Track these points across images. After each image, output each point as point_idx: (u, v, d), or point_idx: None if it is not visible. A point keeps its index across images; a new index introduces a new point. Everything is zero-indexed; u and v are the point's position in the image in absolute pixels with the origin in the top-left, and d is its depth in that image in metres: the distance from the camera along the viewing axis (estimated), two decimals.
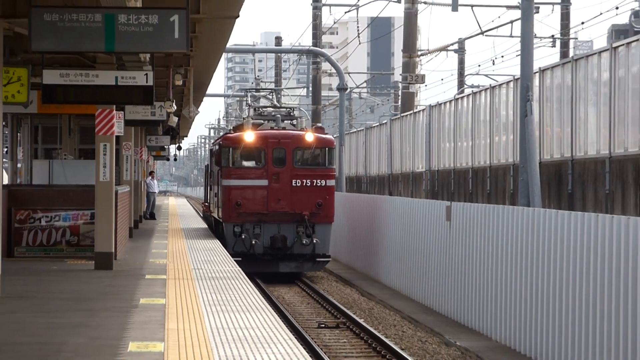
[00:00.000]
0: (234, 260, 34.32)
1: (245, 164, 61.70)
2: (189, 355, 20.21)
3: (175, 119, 64.98)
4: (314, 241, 56.99)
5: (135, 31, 25.67)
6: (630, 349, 26.33)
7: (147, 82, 35.78)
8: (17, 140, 51.88)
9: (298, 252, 58.15)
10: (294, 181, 58.94)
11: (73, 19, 25.55)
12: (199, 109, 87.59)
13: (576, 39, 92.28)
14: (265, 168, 58.44)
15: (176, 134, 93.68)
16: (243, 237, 56.33)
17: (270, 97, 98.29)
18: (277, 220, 57.89)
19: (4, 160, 37.45)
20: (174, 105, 53.94)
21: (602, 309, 28.26)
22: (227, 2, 31.65)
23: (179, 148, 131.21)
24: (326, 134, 66.24)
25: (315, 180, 58.84)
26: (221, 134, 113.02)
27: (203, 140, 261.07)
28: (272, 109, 69.45)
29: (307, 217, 57.28)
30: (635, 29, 41.19)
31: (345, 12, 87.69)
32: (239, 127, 65.42)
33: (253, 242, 55.99)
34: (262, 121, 67.85)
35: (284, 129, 64.19)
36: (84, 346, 21.29)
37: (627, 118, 33.24)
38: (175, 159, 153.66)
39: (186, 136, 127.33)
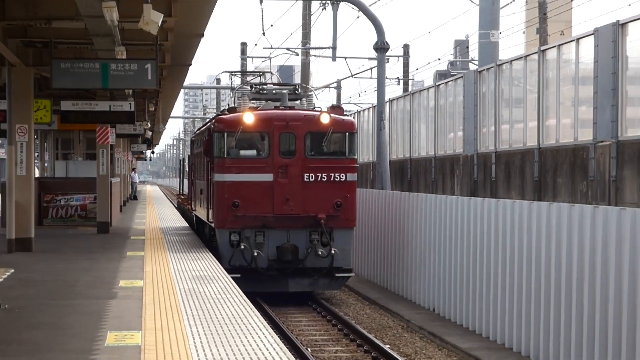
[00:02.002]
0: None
1: (244, 153, 33.15)
2: (159, 287, 20.48)
3: (150, 133, 64.48)
4: (332, 251, 30.93)
5: (121, 74, 25.01)
6: (543, 316, 19.81)
7: (130, 109, 35.62)
8: (44, 147, 51.24)
9: (312, 265, 31.51)
10: (306, 175, 31.79)
11: (80, 66, 25.20)
12: (165, 126, 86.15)
13: (413, 79, 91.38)
14: (270, 159, 31.41)
15: (150, 142, 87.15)
16: (242, 247, 30.74)
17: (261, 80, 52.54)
18: (285, 226, 31.16)
19: (35, 161, 37.22)
20: (148, 124, 54.43)
21: (483, 274, 23.20)
22: (183, 55, 31.56)
23: (152, 152, 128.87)
24: (345, 114, 36.33)
25: (333, 174, 31.90)
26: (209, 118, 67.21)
27: (169, 147, 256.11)
28: (272, 86, 39.12)
29: (323, 221, 30.95)
30: (451, 73, 41.24)
31: (262, 62, 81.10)
32: (233, 110, 36.23)
33: (255, 253, 30.29)
34: (262, 101, 37.04)
35: (292, 108, 35.09)
36: (90, 282, 21.38)
37: (445, 131, 33.68)
38: (150, 160, 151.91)
39: (157, 144, 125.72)
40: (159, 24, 18.25)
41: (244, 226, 28.89)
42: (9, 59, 27.09)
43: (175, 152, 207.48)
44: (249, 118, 29.19)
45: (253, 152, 29.99)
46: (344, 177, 29.24)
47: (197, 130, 47.43)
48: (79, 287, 20.83)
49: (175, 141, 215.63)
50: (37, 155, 50.76)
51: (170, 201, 75.63)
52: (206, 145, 31.55)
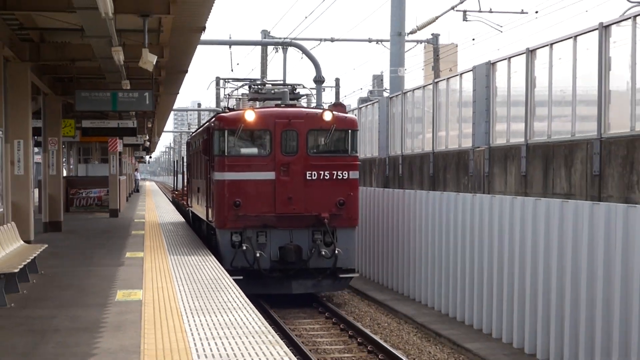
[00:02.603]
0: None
1: (245, 151, 25.72)
2: (155, 257, 20.41)
3: (148, 142, 64.39)
4: (336, 251, 24.17)
5: (127, 101, 24.96)
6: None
7: (133, 125, 36.36)
8: (69, 154, 50.94)
9: (315, 266, 24.70)
10: (308, 173, 24.81)
11: (96, 95, 25.11)
12: (159, 138, 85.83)
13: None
14: (272, 157, 24.43)
15: (148, 149, 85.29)
16: (244, 248, 23.75)
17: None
18: (287, 225, 24.33)
19: (63, 164, 37.31)
20: (147, 136, 54.34)
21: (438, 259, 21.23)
22: (173, 86, 31.07)
23: (150, 157, 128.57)
24: (347, 112, 28.77)
25: (335, 172, 24.93)
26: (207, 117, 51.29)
27: (163, 153, 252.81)
28: (271, 86, 31.29)
29: (327, 220, 24.09)
30: (370, 99, 41.46)
31: (232, 91, 77.15)
32: (231, 110, 29.00)
33: (257, 254, 23.55)
34: (261, 101, 29.81)
35: (293, 106, 27.82)
36: (104, 254, 21.36)
37: (365, 141, 32.60)
38: (148, 162, 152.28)
39: (154, 151, 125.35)
40: (154, 63, 18.14)
41: (245, 226, 21.93)
42: (43, 90, 27.43)
43: (167, 157, 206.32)
44: (250, 115, 22.45)
45: (254, 150, 22.83)
46: (346, 175, 22.40)
47: (194, 132, 36.95)
48: (96, 258, 20.74)
49: (167, 149, 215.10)
50: (65, 160, 50.64)
51: (165, 194, 75.45)
52: (205, 144, 24.30)
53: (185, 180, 41.59)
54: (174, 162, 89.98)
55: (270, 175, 21.72)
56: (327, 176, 21.88)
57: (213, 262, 19.49)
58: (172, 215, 38.45)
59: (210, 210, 23.67)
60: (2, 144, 19.96)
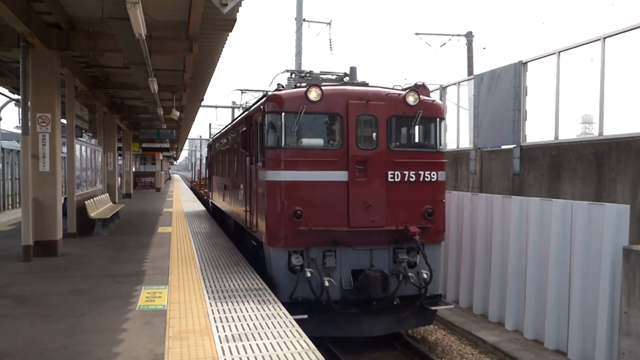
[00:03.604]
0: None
1: (308, 143, 7.43)
2: (177, 211, 18.88)
3: (175, 154, 61.39)
4: (424, 275, 7.40)
5: (164, 132, 25.16)
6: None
7: (168, 146, 35.90)
8: (135, 161, 50.56)
9: (401, 294, 7.38)
10: (390, 174, 7.53)
11: (148, 130, 25.44)
12: (181, 152, 79.54)
13: None
14: (344, 151, 7.30)
15: (175, 158, 74.31)
16: (309, 274, 6.82)
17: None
18: (364, 242, 7.31)
19: (133, 165, 37.45)
20: (175, 151, 52.30)
21: None
22: (188, 122, 27.65)
23: (176, 160, 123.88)
24: (430, 94, 8.06)
25: (422, 173, 7.58)
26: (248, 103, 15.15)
27: (185, 159, 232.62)
28: (317, 74, 8.86)
29: (417, 236, 7.15)
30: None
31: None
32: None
33: (325, 282, 6.77)
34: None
35: (364, 85, 8.07)
36: (153, 210, 19.73)
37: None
38: (174, 164, 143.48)
39: (178, 158, 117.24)
40: (178, 115, 17.56)
41: (310, 244, 8.32)
42: (122, 128, 25.89)
43: (185, 161, 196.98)
44: (315, 93, 8.31)
45: (319, 142, 8.74)
46: (435, 176, 9.01)
47: (216, 134, 19.00)
48: (151, 209, 20.24)
49: (185, 159, 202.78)
50: (134, 163, 49.98)
51: (185, 182, 70.42)
52: (245, 137, 10.13)
53: (208, 177, 22.81)
54: (192, 164, 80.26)
55: (341, 175, 9.18)
56: (412, 177, 9.47)
57: (208, 217, 16.73)
58: (188, 192, 35.47)
59: (252, 218, 10.30)
60: (103, 155, 19.92)
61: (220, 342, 5.29)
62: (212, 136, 29.92)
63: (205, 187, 30.62)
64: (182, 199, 26.39)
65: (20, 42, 9.56)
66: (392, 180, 8.45)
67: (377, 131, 8.45)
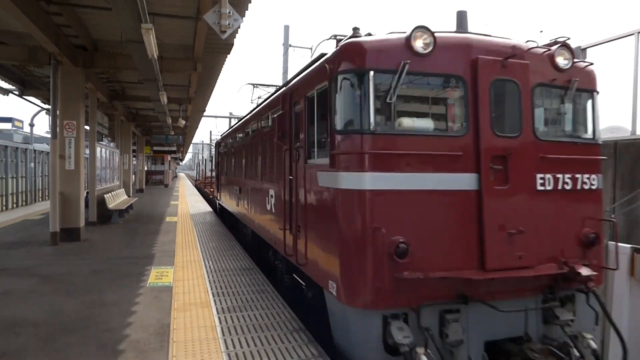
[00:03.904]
0: None
1: (411, 124, 2.18)
2: (183, 205, 18.12)
3: (181, 155, 60.99)
4: (592, 344, 2.23)
5: (171, 138, 24.63)
6: None
7: (175, 149, 34.01)
8: (147, 162, 49.73)
9: None
10: (540, 178, 2.40)
11: (158, 136, 24.75)
12: (186, 153, 77.98)
13: None
14: (471, 139, 2.13)
15: (181, 159, 71.89)
16: (424, 355, 1.87)
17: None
18: (509, 294, 2.17)
19: (145, 164, 36.52)
20: (180, 153, 52.40)
21: None
22: (193, 129, 26.86)
23: (182, 161, 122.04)
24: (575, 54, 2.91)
25: (580, 177, 2.48)
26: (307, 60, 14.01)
27: (189, 160, 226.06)
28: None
29: (592, 280, 2.27)
30: None
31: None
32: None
33: (452, 353, 2.02)
34: None
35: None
36: (162, 203, 19.39)
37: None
38: (180, 164, 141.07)
39: (183, 159, 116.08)
40: (184, 123, 17.98)
41: (420, 302, 2.38)
42: (137, 134, 25.38)
43: (191, 162, 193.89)
44: (422, 42, 2.40)
45: (428, 123, 2.50)
46: (594, 182, 2.85)
47: (224, 132, 13.36)
48: (160, 202, 19.74)
49: (189, 160, 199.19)
50: (146, 163, 49.08)
51: (190, 180, 69.81)
52: (283, 123, 3.95)
53: (216, 178, 16.57)
54: (197, 164, 77.28)
55: (469, 180, 2.91)
56: (567, 184, 3.52)
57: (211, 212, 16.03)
58: (192, 189, 33.11)
59: (298, 243, 4.37)
60: (120, 156, 19.79)
61: (218, 313, 5.47)
62: (222, 134, 22.57)
63: (209, 187, 28.46)
64: (187, 194, 26.20)
65: (51, 60, 9.94)
66: (542, 188, 4.11)
67: (521, 108, 4.06)
